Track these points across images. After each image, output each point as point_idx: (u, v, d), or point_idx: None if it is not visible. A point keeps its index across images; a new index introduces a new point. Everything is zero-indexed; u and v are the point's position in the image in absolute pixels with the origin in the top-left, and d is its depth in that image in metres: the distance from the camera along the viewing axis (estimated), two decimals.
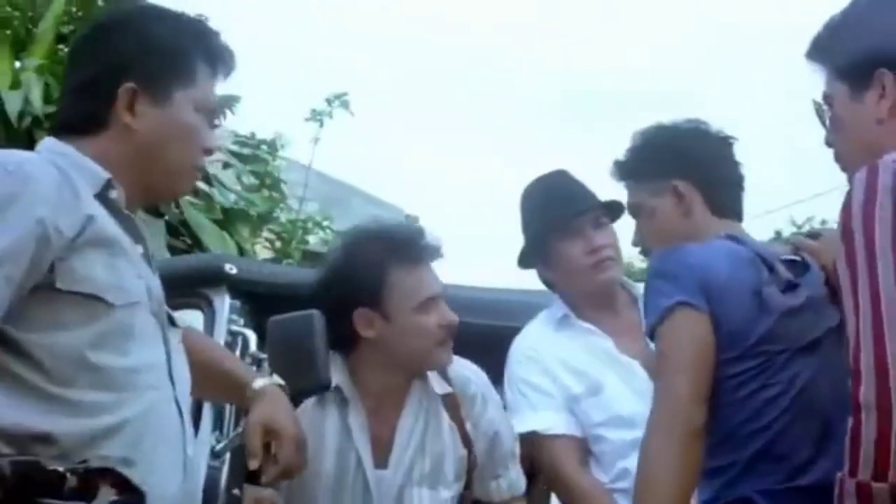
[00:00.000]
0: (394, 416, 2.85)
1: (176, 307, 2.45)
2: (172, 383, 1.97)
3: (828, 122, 2.12)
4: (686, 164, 2.57)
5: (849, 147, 2.08)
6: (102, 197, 1.92)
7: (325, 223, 8.83)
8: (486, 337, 3.05)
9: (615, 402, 2.97)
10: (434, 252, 2.88)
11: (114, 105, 1.97)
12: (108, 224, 1.89)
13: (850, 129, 2.06)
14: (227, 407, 2.83)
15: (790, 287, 2.32)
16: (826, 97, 2.11)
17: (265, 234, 8.05)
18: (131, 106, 1.98)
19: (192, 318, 2.83)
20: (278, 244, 8.09)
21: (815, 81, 2.12)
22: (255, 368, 2.67)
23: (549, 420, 2.97)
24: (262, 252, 8.26)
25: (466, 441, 2.88)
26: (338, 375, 2.79)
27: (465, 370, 2.93)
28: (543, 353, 3.04)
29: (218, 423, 2.78)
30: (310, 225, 8.58)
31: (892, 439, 1.67)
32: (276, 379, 2.37)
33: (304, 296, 2.89)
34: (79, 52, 2.09)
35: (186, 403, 2.03)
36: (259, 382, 2.32)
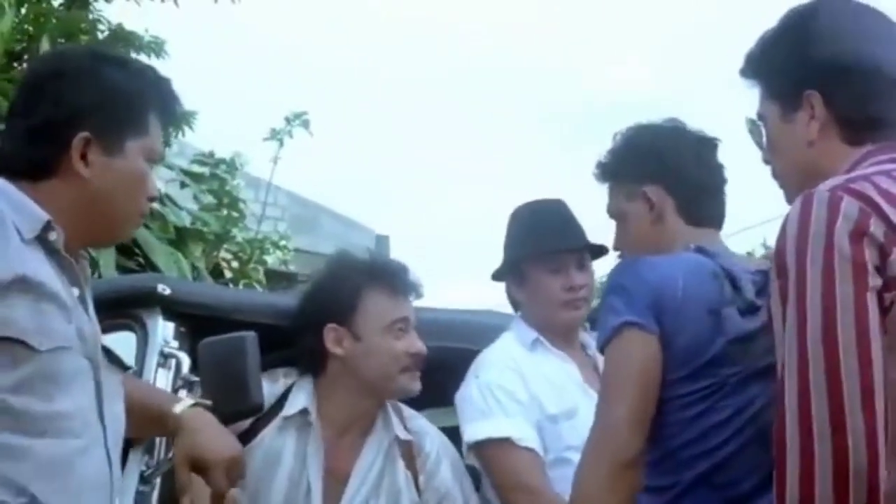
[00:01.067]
0: (353, 451, 2.88)
1: (108, 328, 2.44)
2: (103, 427, 1.97)
3: (763, 141, 2.09)
4: (658, 169, 2.50)
5: (784, 169, 2.05)
6: (41, 238, 1.93)
7: (283, 243, 8.78)
8: (442, 359, 3.02)
9: (587, 428, 2.93)
10: (414, 287, 2.94)
11: (66, 153, 1.99)
12: (39, 268, 1.89)
13: (784, 150, 2.04)
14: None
15: (752, 309, 2.26)
16: (760, 116, 2.09)
17: (223, 253, 7.98)
18: (84, 155, 1.99)
19: (124, 340, 2.78)
20: (235, 264, 8.03)
21: (751, 98, 2.09)
22: (181, 393, 2.62)
23: (522, 430, 2.96)
24: (224, 272, 8.20)
25: (419, 491, 2.91)
26: (305, 398, 2.84)
27: (426, 425, 2.99)
28: (524, 368, 3.03)
29: (148, 447, 2.71)
30: (267, 245, 8.52)
31: (815, 489, 1.65)
32: (197, 399, 2.35)
33: (242, 317, 2.88)
34: (32, 95, 2.08)
35: (117, 448, 2.03)
36: (179, 408, 2.29)
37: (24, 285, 1.85)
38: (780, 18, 2.05)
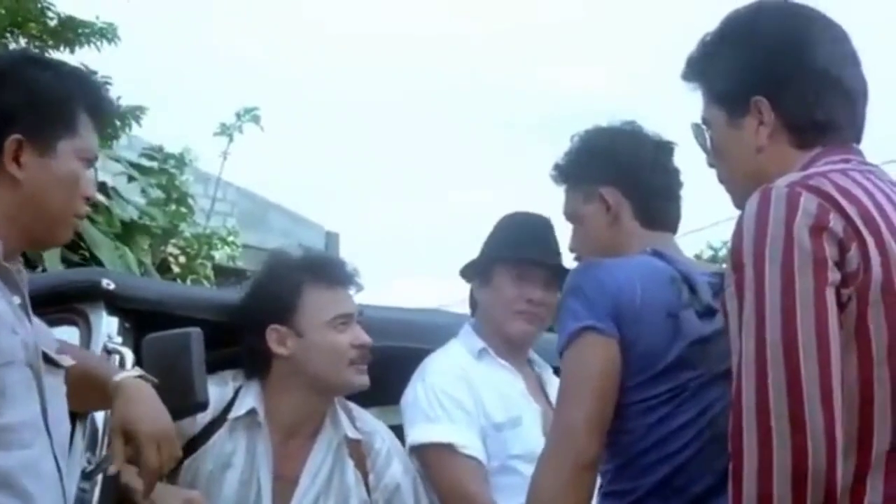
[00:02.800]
0: (303, 452, 2.87)
1: (51, 323, 2.41)
2: (49, 436, 1.98)
3: (708, 145, 2.08)
4: (615, 171, 2.51)
5: (731, 174, 2.04)
6: None
7: (231, 238, 8.71)
8: (389, 357, 3.02)
9: (532, 438, 2.96)
10: (352, 279, 2.93)
11: (0, 157, 2.00)
12: None
13: (731, 156, 2.02)
14: (101, 427, 2.75)
15: (709, 312, 2.27)
16: (704, 121, 2.07)
17: (171, 248, 7.91)
18: (17, 158, 2.00)
19: (67, 335, 2.74)
20: (183, 259, 7.96)
21: (695, 101, 2.07)
22: (118, 366, 2.59)
23: (466, 437, 2.96)
24: (171, 267, 8.12)
25: (368, 490, 2.90)
26: (253, 399, 2.82)
27: (376, 424, 2.99)
28: (471, 375, 3.04)
29: (91, 444, 2.68)
30: (215, 240, 8.46)
31: (773, 489, 1.64)
32: (142, 373, 2.31)
33: (188, 313, 2.86)
34: None
35: (64, 454, 2.05)
36: (119, 376, 2.26)
37: None
38: (722, 22, 2.03)
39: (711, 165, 2.09)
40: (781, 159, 1.92)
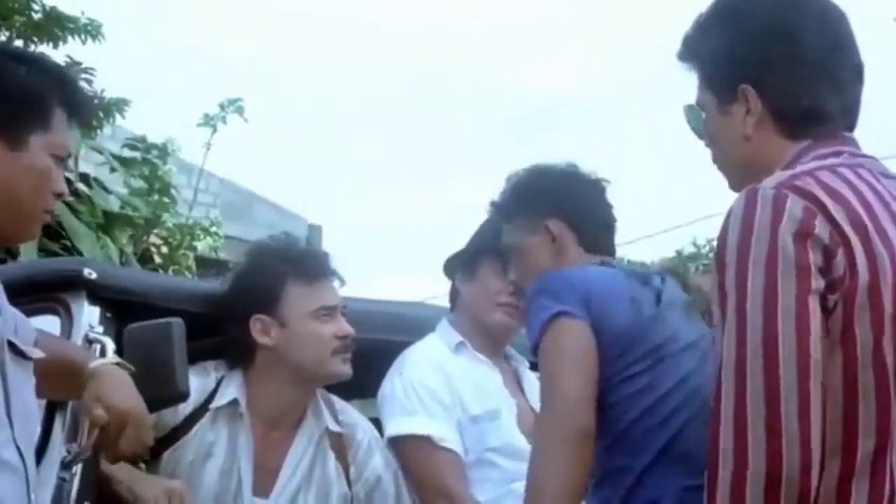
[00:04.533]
0: (285, 443, 2.88)
1: (32, 312, 2.40)
2: (11, 425, 1.95)
3: (701, 127, 2.05)
4: (560, 205, 2.65)
5: (723, 160, 2.02)
6: None
7: (214, 229, 8.68)
8: (371, 350, 3.01)
9: (510, 431, 3.01)
10: (335, 271, 2.96)
11: None
12: None
13: (721, 143, 2.00)
14: (81, 416, 2.74)
15: (659, 297, 2.46)
16: (699, 103, 2.04)
17: (153, 238, 7.88)
18: None
19: (48, 324, 2.73)
20: (165, 249, 7.93)
21: (689, 81, 2.05)
22: (97, 353, 2.58)
23: (443, 430, 2.97)
24: (153, 257, 8.09)
25: (349, 483, 2.92)
26: (235, 389, 2.83)
27: (358, 417, 3.00)
28: (448, 368, 3.05)
29: (71, 434, 2.67)
30: (197, 230, 8.43)
31: (746, 494, 1.65)
32: (119, 360, 2.31)
33: (169, 304, 2.85)
34: None
35: (29, 441, 2.02)
36: (95, 363, 2.26)
37: None
38: (713, 4, 2.01)
39: (708, 146, 2.06)
40: (770, 148, 1.91)
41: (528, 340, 2.47)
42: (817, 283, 1.68)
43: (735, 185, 1.91)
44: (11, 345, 2.03)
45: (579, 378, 2.30)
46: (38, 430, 2.09)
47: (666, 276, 2.59)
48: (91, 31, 7.71)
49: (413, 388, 3.00)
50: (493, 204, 2.78)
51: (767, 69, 1.92)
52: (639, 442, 2.33)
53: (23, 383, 2.05)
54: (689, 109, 2.08)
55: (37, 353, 2.10)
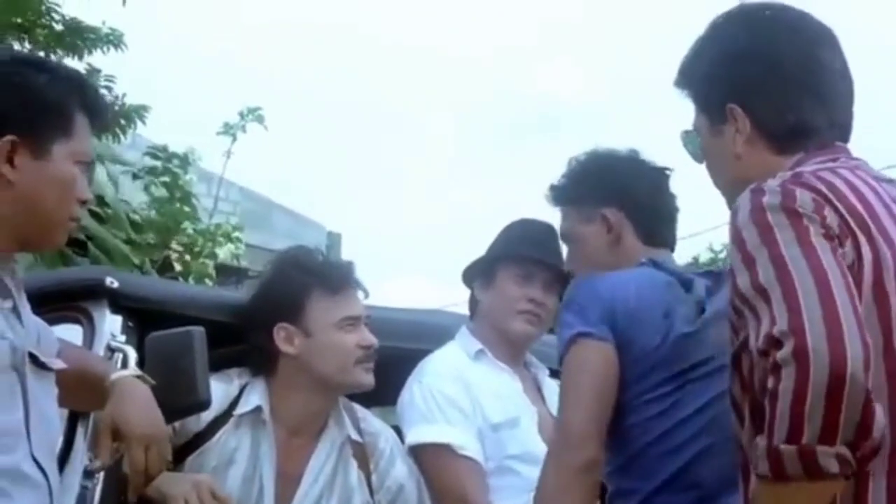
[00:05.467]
0: (306, 451, 2.88)
1: (54, 321, 2.41)
2: (28, 438, 1.97)
3: (697, 152, 2.10)
4: (618, 193, 2.56)
5: (718, 181, 2.06)
6: None
7: (236, 234, 8.71)
8: (391, 357, 3.02)
9: (530, 438, 2.99)
10: (358, 283, 2.96)
11: None
12: None
13: (716, 163, 2.05)
14: (97, 432, 2.76)
15: (701, 309, 2.33)
16: (695, 128, 2.09)
17: (174, 246, 7.92)
18: (11, 159, 1.98)
19: (70, 333, 2.75)
20: (187, 257, 7.96)
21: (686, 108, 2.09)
22: (118, 364, 2.60)
23: (463, 438, 2.96)
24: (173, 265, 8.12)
25: (371, 492, 2.92)
26: (258, 397, 2.84)
27: (380, 425, 3.00)
28: (468, 376, 3.05)
29: (93, 442, 2.68)
30: (219, 236, 8.46)
31: (807, 398, 1.58)
32: (140, 373, 2.32)
33: (191, 312, 2.87)
34: None
35: (51, 454, 2.04)
36: (115, 375, 2.27)
37: None
38: (705, 28, 2.05)
39: (707, 170, 2.11)
40: (762, 165, 1.93)
41: (558, 351, 2.42)
42: (841, 256, 1.68)
43: (733, 204, 1.92)
44: (33, 357, 2.04)
45: (592, 408, 2.27)
46: (60, 439, 2.10)
47: (721, 277, 2.34)
48: (113, 40, 7.76)
49: (432, 396, 3.00)
50: (551, 188, 2.69)
51: (752, 88, 1.96)
52: (649, 466, 2.30)
53: (44, 395, 2.06)
54: (686, 134, 2.13)
55: (58, 364, 2.11)
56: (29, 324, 2.07)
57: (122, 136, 7.81)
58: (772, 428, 1.61)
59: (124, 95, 7.71)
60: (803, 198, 1.73)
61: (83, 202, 2.11)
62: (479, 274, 3.21)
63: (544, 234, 3.17)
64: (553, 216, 2.78)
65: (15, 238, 2.04)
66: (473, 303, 3.24)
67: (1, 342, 1.94)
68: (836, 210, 1.73)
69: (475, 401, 3.01)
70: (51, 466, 2.03)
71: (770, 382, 1.61)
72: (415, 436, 3.01)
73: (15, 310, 2.02)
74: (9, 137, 1.98)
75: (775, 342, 1.61)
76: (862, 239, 1.72)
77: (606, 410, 2.28)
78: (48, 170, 2.02)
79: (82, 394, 2.27)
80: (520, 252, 3.13)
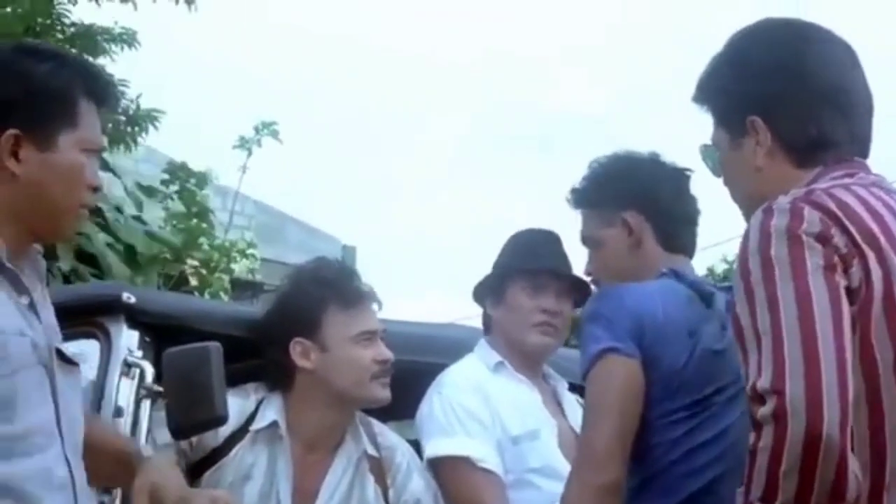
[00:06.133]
0: (323, 466, 2.88)
1: (71, 336, 2.41)
2: (61, 437, 1.96)
3: (716, 166, 2.10)
4: (639, 197, 2.55)
5: (738, 195, 2.07)
6: None
7: (251, 251, 8.73)
8: (407, 371, 3.01)
9: (550, 451, 2.97)
10: (373, 296, 2.96)
11: None
12: None
13: (735, 177, 2.05)
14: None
15: (724, 325, 2.30)
16: (714, 142, 2.09)
17: (189, 261, 7.93)
18: (15, 152, 1.96)
19: (87, 348, 2.76)
20: (203, 272, 7.98)
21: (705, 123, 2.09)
22: (144, 403, 2.60)
23: (483, 451, 2.94)
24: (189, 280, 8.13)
25: None
26: (275, 412, 2.84)
27: (397, 440, 2.99)
28: (487, 388, 3.02)
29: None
30: (234, 252, 8.48)
31: (783, 456, 1.62)
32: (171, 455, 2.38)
33: (208, 327, 2.87)
34: None
35: (77, 453, 2.02)
36: (148, 451, 2.29)
37: None
38: (724, 43, 2.06)
39: (726, 184, 2.11)
40: (781, 178, 1.93)
41: (580, 364, 2.41)
42: (843, 281, 1.70)
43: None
44: (59, 353, 2.04)
45: (617, 427, 2.26)
46: (81, 440, 2.06)
47: None
48: (126, 38, 7.76)
49: (452, 409, 2.98)
50: (572, 191, 2.67)
51: (774, 101, 1.96)
52: (667, 487, 2.29)
53: (71, 392, 2.04)
54: (705, 149, 2.13)
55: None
56: (48, 320, 2.05)
57: (133, 146, 7.79)
58: (749, 484, 1.66)
59: (139, 96, 7.66)
60: (811, 218, 1.74)
61: (94, 189, 2.08)
62: (488, 291, 3.18)
63: (549, 242, 3.15)
64: (573, 222, 2.75)
65: (27, 230, 2.02)
66: (487, 319, 3.22)
67: (21, 339, 1.93)
68: (844, 230, 1.73)
69: (495, 413, 2.99)
70: (78, 465, 2.01)
71: (751, 437, 1.66)
72: (434, 448, 2.99)
73: (32, 306, 2.00)
74: (12, 131, 1.96)
75: (759, 397, 1.65)
76: (871, 256, 1.73)
77: (632, 429, 2.27)
78: (54, 161, 1.99)
79: (110, 469, 2.24)
80: (527, 264, 3.10)
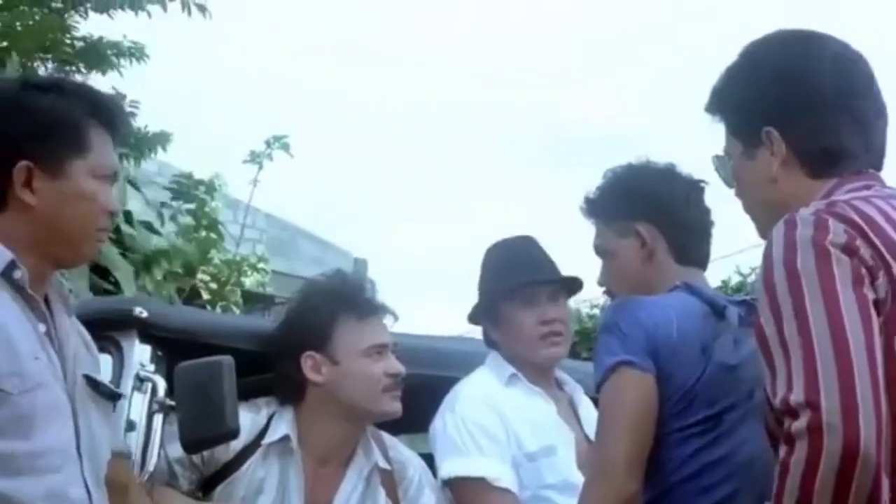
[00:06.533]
0: (335, 480, 2.88)
1: None
2: (80, 459, 1.99)
3: (729, 177, 2.09)
4: (651, 208, 2.54)
5: (751, 205, 2.05)
6: (6, 276, 1.98)
7: (261, 265, 8.75)
8: (418, 385, 3.00)
9: (567, 467, 2.94)
10: (385, 308, 2.96)
11: (11, 185, 2.02)
12: (3, 307, 1.95)
13: (749, 188, 2.04)
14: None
15: (737, 341, 2.30)
16: (726, 153, 2.08)
17: (201, 275, 7.96)
18: (29, 183, 2.02)
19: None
20: (214, 286, 8.00)
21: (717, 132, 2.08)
22: (157, 416, 2.61)
23: (498, 470, 2.90)
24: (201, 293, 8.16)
25: None
26: (286, 426, 2.84)
27: (408, 454, 3.00)
28: (501, 404, 2.98)
29: None
30: (245, 267, 8.50)
31: (818, 474, 1.59)
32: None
33: (220, 341, 2.88)
34: None
35: (98, 478, 2.05)
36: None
37: None
38: (739, 53, 2.05)
39: (738, 195, 2.10)
40: (797, 189, 1.93)
41: (594, 375, 2.39)
42: (870, 294, 1.68)
43: (764, 231, 1.91)
44: (92, 382, 2.08)
45: (632, 439, 2.25)
46: (105, 468, 2.09)
47: (755, 309, 2.17)
48: (135, 53, 7.80)
49: (465, 426, 2.93)
50: (586, 200, 2.65)
51: (789, 112, 1.95)
52: (681, 502, 2.28)
53: (97, 419, 2.08)
54: (718, 159, 2.12)
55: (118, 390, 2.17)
56: (75, 349, 2.09)
57: (141, 161, 7.82)
58: (780, 499, 1.63)
59: (146, 127, 7.73)
60: (836, 230, 1.72)
61: (111, 212, 2.13)
62: (482, 315, 3.11)
63: (528, 251, 3.11)
64: (587, 234, 2.72)
65: (46, 258, 2.06)
66: (489, 342, 3.15)
67: (35, 363, 1.97)
68: (869, 242, 1.72)
69: (509, 429, 2.94)
70: (97, 488, 2.03)
71: (782, 452, 1.64)
72: (448, 469, 2.94)
73: (48, 333, 2.04)
74: (23, 163, 2.01)
75: (791, 411, 1.63)
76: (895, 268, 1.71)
77: (646, 443, 2.26)
78: (67, 188, 2.04)
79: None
80: (513, 280, 3.03)
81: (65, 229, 2.05)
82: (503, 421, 2.95)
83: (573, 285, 3.10)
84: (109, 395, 2.16)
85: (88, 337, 2.22)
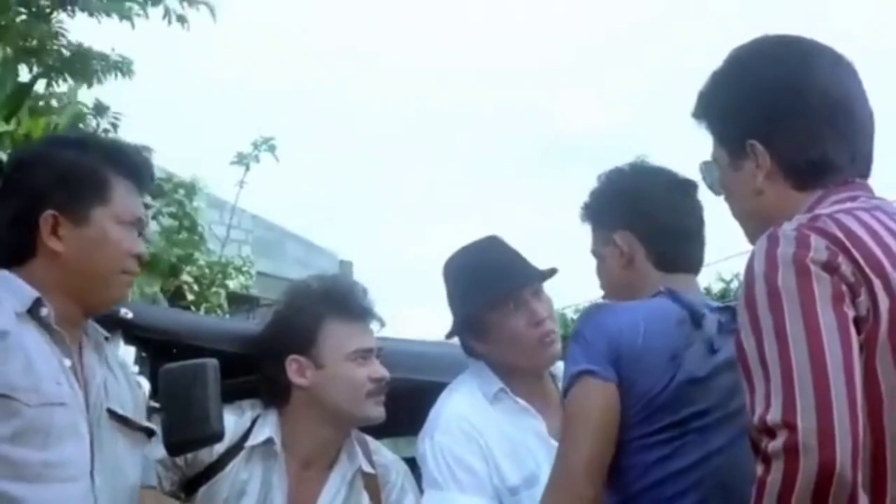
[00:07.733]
0: (318, 483, 2.89)
1: None
2: (92, 479, 2.11)
3: (716, 184, 2.09)
4: (631, 218, 2.51)
5: (738, 214, 2.06)
6: (33, 314, 2.13)
7: (245, 267, 8.74)
8: (403, 389, 3.00)
9: None
10: (371, 313, 2.95)
11: (38, 233, 2.19)
12: (26, 337, 2.09)
13: (736, 197, 2.04)
14: None
15: (711, 349, 2.28)
16: (714, 159, 2.08)
17: (185, 276, 7.94)
18: (55, 231, 2.19)
19: None
20: (197, 287, 7.98)
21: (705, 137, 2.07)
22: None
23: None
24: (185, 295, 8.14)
25: None
26: (270, 428, 2.85)
27: (392, 458, 3.00)
28: (483, 432, 2.88)
29: None
30: (230, 269, 8.48)
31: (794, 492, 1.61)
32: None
33: (205, 343, 2.88)
34: (3, 187, 2.28)
35: (111, 497, 2.17)
36: None
37: (14, 348, 2.04)
38: (724, 59, 2.04)
39: (727, 203, 2.10)
40: (782, 201, 1.93)
41: (563, 381, 2.38)
42: (850, 311, 1.69)
43: (752, 238, 1.91)
44: (115, 414, 2.21)
45: (592, 446, 2.24)
46: (126, 498, 2.23)
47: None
48: (122, 67, 7.79)
49: (443, 458, 2.83)
50: (581, 206, 2.63)
51: (774, 124, 1.94)
52: None
53: (123, 449, 2.21)
54: (705, 166, 2.12)
55: (150, 424, 2.31)
56: (94, 383, 2.21)
57: None
58: None
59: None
60: (818, 246, 1.72)
61: (137, 256, 2.28)
62: (465, 332, 2.98)
63: (497, 253, 2.99)
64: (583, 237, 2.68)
65: (75, 301, 2.22)
66: (472, 351, 3.00)
67: (56, 387, 2.10)
68: (851, 258, 1.72)
69: (491, 460, 2.85)
70: None
71: (759, 470, 1.65)
72: (428, 502, 2.86)
73: (73, 368, 2.17)
74: (49, 212, 2.18)
75: (769, 430, 1.64)
76: (878, 284, 1.72)
77: (608, 449, 2.26)
78: (90, 235, 2.21)
79: None
80: (500, 292, 2.90)
81: (91, 273, 2.22)
82: (484, 452, 2.86)
83: (549, 275, 2.99)
84: (141, 430, 2.30)
85: (136, 380, 2.42)
